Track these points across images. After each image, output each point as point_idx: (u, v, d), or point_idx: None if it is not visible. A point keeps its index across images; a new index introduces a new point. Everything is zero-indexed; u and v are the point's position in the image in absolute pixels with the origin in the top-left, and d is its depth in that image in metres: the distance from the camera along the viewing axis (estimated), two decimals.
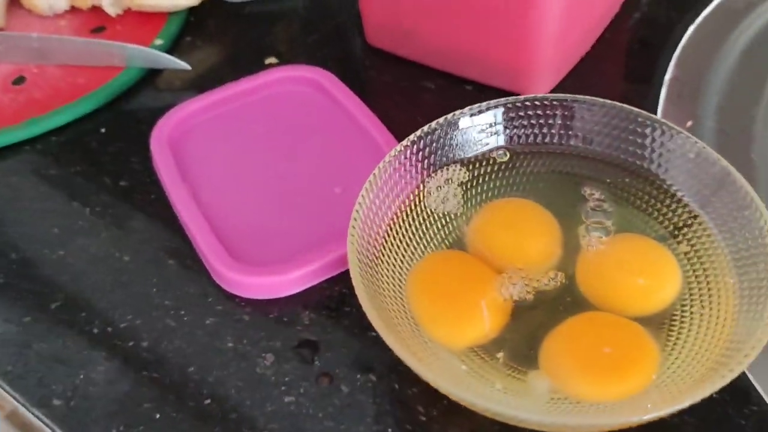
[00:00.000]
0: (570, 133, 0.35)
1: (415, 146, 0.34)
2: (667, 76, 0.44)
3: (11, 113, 0.46)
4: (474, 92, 0.44)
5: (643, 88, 0.44)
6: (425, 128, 0.34)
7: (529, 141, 0.35)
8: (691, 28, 0.47)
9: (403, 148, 0.34)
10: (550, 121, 0.35)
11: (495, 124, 0.34)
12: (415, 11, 0.44)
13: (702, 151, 0.32)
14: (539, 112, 0.35)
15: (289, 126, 0.43)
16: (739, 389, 0.31)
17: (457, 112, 0.34)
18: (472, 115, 0.34)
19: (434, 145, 0.34)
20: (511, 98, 0.35)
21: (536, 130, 0.35)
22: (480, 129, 0.34)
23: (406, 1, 0.43)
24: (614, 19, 0.49)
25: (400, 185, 0.34)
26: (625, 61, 0.47)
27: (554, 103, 0.35)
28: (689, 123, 0.42)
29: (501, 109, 0.34)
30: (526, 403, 0.28)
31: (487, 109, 0.35)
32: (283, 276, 0.35)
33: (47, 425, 0.33)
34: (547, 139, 0.35)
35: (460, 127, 0.34)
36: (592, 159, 0.35)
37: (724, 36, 0.46)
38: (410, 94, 0.46)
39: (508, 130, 0.35)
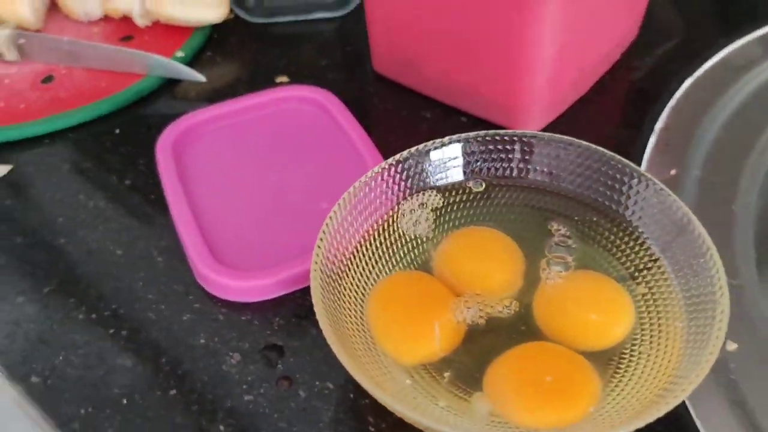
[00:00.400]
0: (545, 170, 0.36)
1: (392, 170, 0.36)
2: (659, 125, 0.45)
3: (36, 109, 0.49)
4: (468, 124, 0.46)
5: (632, 133, 0.45)
6: (399, 155, 0.35)
7: (505, 174, 0.37)
8: (688, 80, 0.48)
9: (380, 170, 0.35)
10: (527, 157, 0.36)
11: (456, 157, 0.36)
12: (417, 44, 0.46)
13: (667, 197, 0.33)
14: (515, 147, 0.36)
15: (288, 142, 0.45)
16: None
17: (428, 143, 0.36)
18: (438, 147, 0.36)
19: (410, 170, 0.36)
20: (473, 133, 0.36)
21: (514, 165, 0.37)
22: (449, 160, 0.36)
23: (410, 33, 0.46)
24: (615, 66, 0.50)
25: (374, 205, 0.35)
26: (620, 107, 0.49)
27: (532, 140, 0.36)
28: (674, 171, 0.43)
29: (461, 144, 0.36)
30: (464, 423, 0.30)
31: (451, 142, 0.36)
32: (258, 282, 0.37)
33: (25, 400, 0.36)
34: (523, 174, 0.37)
35: (431, 157, 0.36)
36: (563, 196, 0.36)
37: (721, 91, 0.47)
38: (408, 121, 0.47)
39: (487, 163, 0.37)
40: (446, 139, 0.36)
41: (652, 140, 0.45)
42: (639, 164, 0.43)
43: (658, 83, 0.49)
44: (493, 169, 0.37)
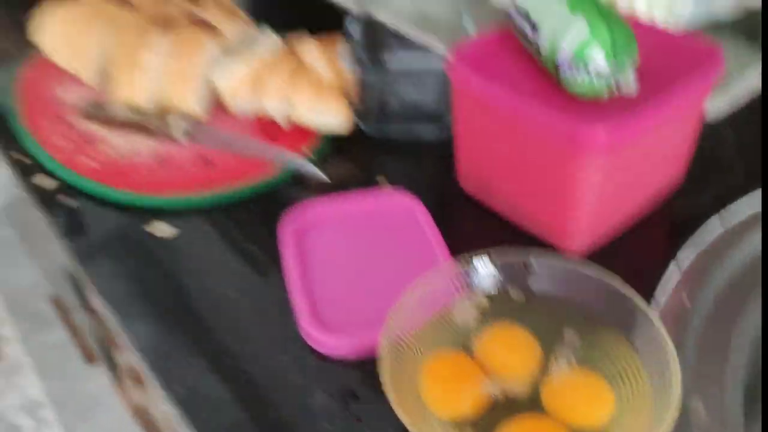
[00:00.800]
0: (565, 287, 0.48)
1: (450, 271, 0.48)
2: (684, 260, 0.55)
3: (196, 184, 0.64)
4: (526, 241, 0.57)
5: (659, 264, 0.55)
6: (456, 261, 0.48)
7: (534, 286, 0.48)
8: (718, 223, 0.57)
9: (441, 271, 0.48)
10: (552, 275, 0.48)
11: (496, 267, 0.48)
12: (491, 171, 0.58)
13: (656, 325, 0.44)
14: (542, 266, 0.48)
15: (381, 234, 0.58)
16: None
17: (474, 253, 0.48)
18: (481, 257, 0.48)
19: (464, 274, 0.48)
20: (510, 250, 0.48)
21: (542, 279, 0.48)
22: (491, 268, 0.48)
23: (486, 162, 0.58)
24: (660, 207, 0.61)
25: (435, 296, 0.47)
26: (654, 239, 0.59)
27: (557, 263, 0.48)
28: (688, 303, 0.52)
29: (499, 257, 0.48)
30: None
31: (491, 255, 0.48)
32: (346, 342, 0.50)
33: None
34: (548, 288, 0.48)
35: (476, 266, 0.48)
36: (578, 309, 0.47)
37: (747, 235, 0.56)
38: (478, 232, 0.60)
39: (521, 274, 0.48)
40: (487, 251, 0.48)
41: (676, 273, 0.54)
42: (654, 291, 0.52)
43: (694, 221, 0.58)
44: (525, 281, 0.48)
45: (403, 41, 0.73)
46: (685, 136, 0.60)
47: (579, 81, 0.51)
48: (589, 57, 0.50)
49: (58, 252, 1.20)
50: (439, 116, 0.70)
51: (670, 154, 0.60)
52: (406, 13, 0.82)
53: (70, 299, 1.55)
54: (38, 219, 1.26)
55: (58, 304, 1.82)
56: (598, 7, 0.52)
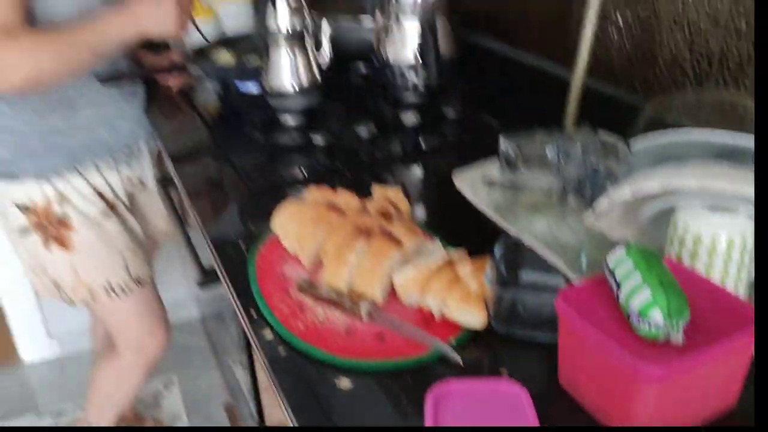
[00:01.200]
0: None
1: None
2: None
3: (371, 353, 0.91)
4: None
5: None
6: None
7: None
8: None
9: None
10: None
11: None
12: (579, 375, 0.81)
13: None
14: None
15: (495, 410, 0.82)
16: None
17: None
18: None
19: None
20: None
21: None
22: None
23: (576, 368, 0.81)
24: (712, 422, 0.80)
25: None
26: None
27: None
28: None
29: None
30: None
31: None
32: None
33: None
34: None
35: None
36: None
37: None
38: (567, 419, 0.81)
39: None
40: None
41: None
42: None
43: None
44: None
45: (533, 262, 0.99)
46: (734, 372, 0.80)
47: (642, 328, 0.74)
48: (650, 315, 0.73)
49: (240, 370, 1.52)
50: (554, 324, 0.93)
51: (721, 385, 0.80)
52: (542, 237, 1.08)
53: (243, 410, 1.86)
54: (226, 336, 1.63)
55: (230, 412, 2.15)
56: (663, 280, 0.75)
